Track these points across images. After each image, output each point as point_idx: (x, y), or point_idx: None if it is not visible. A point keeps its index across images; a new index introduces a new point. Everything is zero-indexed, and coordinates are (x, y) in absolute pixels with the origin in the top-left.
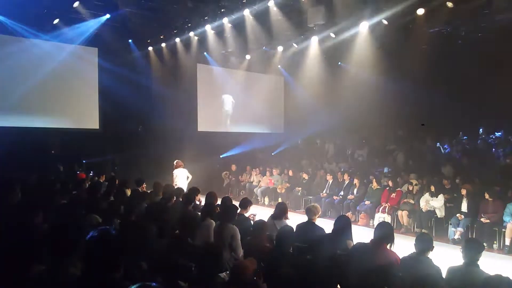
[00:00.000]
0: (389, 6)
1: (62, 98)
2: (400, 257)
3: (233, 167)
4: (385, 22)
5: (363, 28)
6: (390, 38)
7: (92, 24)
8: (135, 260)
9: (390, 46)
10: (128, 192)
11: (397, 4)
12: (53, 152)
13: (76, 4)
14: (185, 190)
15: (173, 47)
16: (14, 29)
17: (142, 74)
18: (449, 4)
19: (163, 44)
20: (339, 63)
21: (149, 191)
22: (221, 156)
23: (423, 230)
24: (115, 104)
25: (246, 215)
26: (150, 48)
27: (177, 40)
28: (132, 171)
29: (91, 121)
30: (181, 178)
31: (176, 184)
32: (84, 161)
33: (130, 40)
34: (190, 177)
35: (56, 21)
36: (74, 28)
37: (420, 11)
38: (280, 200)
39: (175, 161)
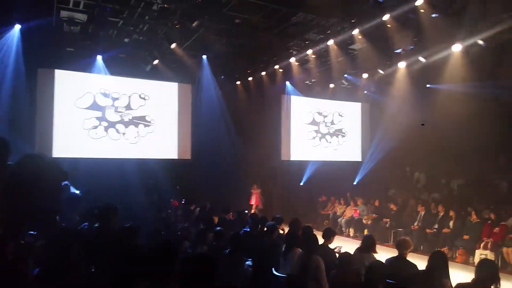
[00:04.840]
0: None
1: (158, 131)
2: None
3: (323, 198)
4: (481, 42)
5: (456, 49)
6: (486, 59)
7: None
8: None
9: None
10: (216, 219)
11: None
12: (150, 182)
13: (173, 45)
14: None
15: (259, 80)
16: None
17: (230, 107)
18: None
19: (250, 78)
20: (428, 85)
21: (234, 219)
22: (301, 184)
23: None
24: (205, 136)
25: (331, 246)
26: (238, 82)
27: (263, 73)
28: (219, 199)
29: (184, 152)
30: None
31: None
32: (177, 187)
33: (222, 77)
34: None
35: (156, 61)
36: (171, 67)
37: None
38: (366, 232)
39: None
